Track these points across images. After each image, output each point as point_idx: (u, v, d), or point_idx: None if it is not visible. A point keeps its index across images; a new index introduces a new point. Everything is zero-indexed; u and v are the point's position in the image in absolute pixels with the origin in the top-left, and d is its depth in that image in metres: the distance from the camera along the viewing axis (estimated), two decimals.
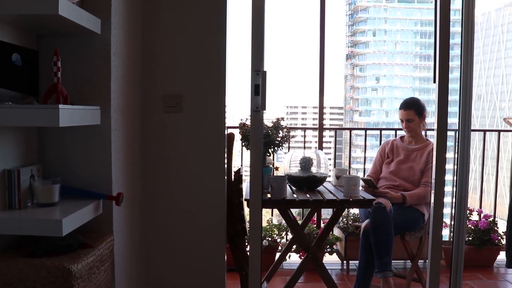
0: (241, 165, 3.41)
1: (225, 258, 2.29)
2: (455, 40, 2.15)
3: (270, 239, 3.51)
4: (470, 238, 3.60)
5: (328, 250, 3.58)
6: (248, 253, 2.04)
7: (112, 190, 1.81)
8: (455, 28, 2.09)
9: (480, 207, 3.84)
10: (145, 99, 2.21)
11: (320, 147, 3.62)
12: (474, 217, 3.72)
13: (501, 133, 3.95)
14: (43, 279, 1.43)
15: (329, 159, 3.20)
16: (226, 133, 2.26)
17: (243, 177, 2.48)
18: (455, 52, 2.06)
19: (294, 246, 3.37)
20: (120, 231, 1.92)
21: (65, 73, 1.64)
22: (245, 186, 2.47)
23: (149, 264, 2.28)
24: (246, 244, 2.56)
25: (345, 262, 3.58)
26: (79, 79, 1.78)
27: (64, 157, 1.81)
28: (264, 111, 1.90)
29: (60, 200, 1.65)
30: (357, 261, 2.90)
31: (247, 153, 2.28)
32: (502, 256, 3.65)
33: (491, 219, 3.67)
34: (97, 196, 1.76)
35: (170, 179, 2.25)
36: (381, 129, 4.00)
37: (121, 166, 1.91)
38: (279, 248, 3.53)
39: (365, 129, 4.10)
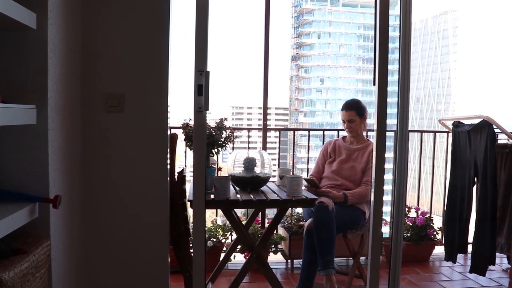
0: (185, 166, 3.38)
1: (169, 259, 2.26)
2: (395, 44, 2.22)
3: (214, 239, 3.49)
4: (409, 234, 3.75)
5: (273, 249, 3.61)
6: (192, 254, 2.02)
7: (49, 193, 1.74)
8: (396, 33, 2.16)
9: (418, 204, 4.00)
10: (86, 98, 2.13)
11: (264, 148, 3.64)
12: (412, 214, 3.88)
13: (437, 134, 4.12)
14: None
15: (274, 159, 3.23)
16: (169, 133, 2.23)
17: (187, 178, 2.46)
18: (395, 55, 2.12)
19: (239, 247, 3.38)
20: (58, 235, 1.85)
21: None
22: (189, 186, 2.45)
23: (89, 268, 2.21)
24: (190, 245, 2.53)
25: (289, 261, 3.63)
26: (13, 76, 1.69)
27: None
28: (207, 112, 1.89)
29: None
30: (301, 260, 2.94)
31: (191, 154, 2.26)
32: (437, 250, 3.86)
33: (427, 215, 3.84)
34: (32, 199, 1.68)
35: (111, 180, 2.19)
36: (324, 130, 4.08)
37: (59, 168, 1.84)
38: (224, 248, 3.52)
39: (309, 130, 4.18)
